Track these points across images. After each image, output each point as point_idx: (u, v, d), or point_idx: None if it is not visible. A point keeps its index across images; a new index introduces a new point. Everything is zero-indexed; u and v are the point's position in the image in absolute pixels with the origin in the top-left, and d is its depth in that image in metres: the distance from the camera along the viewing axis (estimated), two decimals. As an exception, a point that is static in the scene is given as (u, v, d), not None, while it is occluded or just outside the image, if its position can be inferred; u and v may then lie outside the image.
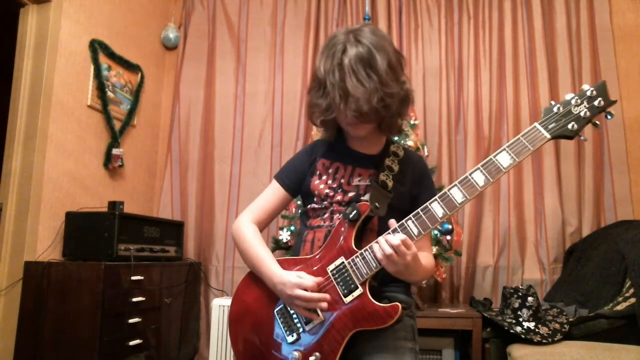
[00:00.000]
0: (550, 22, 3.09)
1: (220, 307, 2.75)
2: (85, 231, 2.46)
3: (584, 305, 2.29)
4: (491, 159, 1.12)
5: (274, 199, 1.40)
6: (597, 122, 1.12)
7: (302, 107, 3.25)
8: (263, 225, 1.40)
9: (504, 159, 1.11)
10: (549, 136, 1.10)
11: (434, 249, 2.43)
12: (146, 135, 3.33)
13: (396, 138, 2.51)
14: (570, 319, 2.11)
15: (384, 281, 1.25)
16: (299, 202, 2.71)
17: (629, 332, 1.97)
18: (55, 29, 2.57)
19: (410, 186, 1.34)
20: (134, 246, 2.53)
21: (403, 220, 1.16)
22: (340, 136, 1.39)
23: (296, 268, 1.26)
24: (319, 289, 1.19)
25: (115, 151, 2.90)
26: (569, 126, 1.09)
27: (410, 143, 2.58)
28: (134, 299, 2.40)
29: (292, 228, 2.65)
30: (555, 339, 2.00)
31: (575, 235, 2.87)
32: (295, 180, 1.39)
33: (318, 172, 1.36)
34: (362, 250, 1.18)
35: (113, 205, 2.50)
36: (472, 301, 2.78)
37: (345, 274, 1.18)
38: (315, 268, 1.24)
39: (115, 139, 2.91)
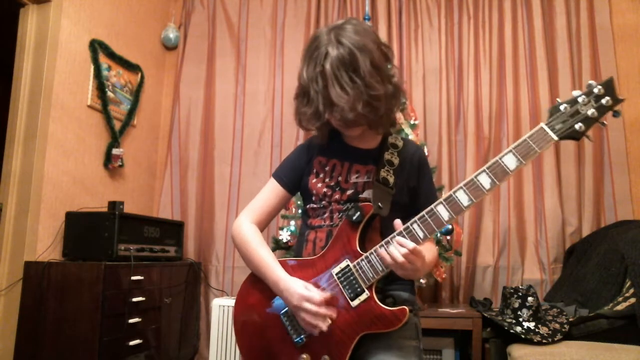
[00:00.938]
0: (550, 22, 3.09)
1: (220, 307, 2.75)
2: (85, 231, 2.46)
3: (584, 305, 2.29)
4: (497, 160, 1.09)
5: (273, 198, 1.38)
6: (605, 121, 1.08)
7: (302, 107, 3.24)
8: (263, 225, 1.38)
9: (510, 161, 1.08)
10: (556, 138, 1.06)
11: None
12: (146, 135, 3.33)
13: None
14: (570, 319, 2.11)
15: (388, 280, 1.24)
16: (299, 202, 2.72)
17: (629, 332, 1.97)
18: (55, 29, 2.57)
19: (409, 179, 1.32)
20: (134, 246, 2.53)
21: (408, 223, 1.14)
22: (336, 132, 1.35)
23: (300, 272, 1.24)
24: (326, 295, 1.17)
25: (115, 151, 2.90)
26: (577, 127, 1.06)
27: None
28: (134, 299, 2.40)
29: (292, 228, 2.65)
30: (555, 339, 2.00)
31: (575, 235, 2.87)
32: (293, 177, 1.37)
33: (315, 171, 1.34)
34: (368, 254, 1.17)
35: (113, 205, 2.50)
36: (472, 301, 2.77)
37: (351, 278, 1.17)
38: (319, 270, 1.23)
39: (115, 139, 2.91)
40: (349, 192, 1.29)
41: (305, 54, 1.22)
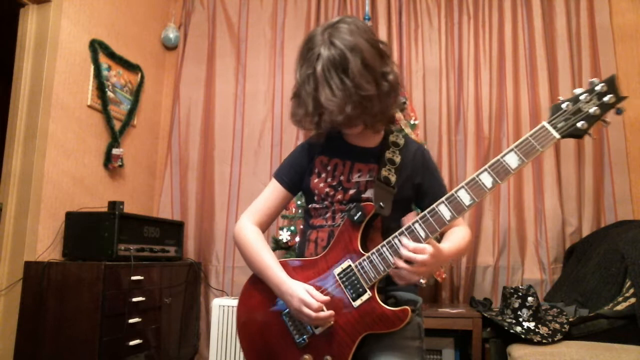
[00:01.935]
0: (550, 22, 3.09)
1: (220, 307, 2.75)
2: (85, 231, 2.46)
3: (584, 305, 2.29)
4: (499, 159, 1.08)
5: (275, 199, 1.37)
6: (608, 119, 1.06)
7: (302, 107, 3.24)
8: (265, 226, 1.38)
9: (512, 159, 1.07)
10: (558, 136, 1.05)
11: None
12: (146, 135, 3.33)
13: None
14: (570, 319, 2.11)
15: (390, 279, 1.24)
16: (299, 202, 2.72)
17: (629, 332, 1.97)
18: (55, 29, 2.57)
19: (412, 176, 1.31)
20: (134, 246, 2.53)
21: (410, 223, 1.14)
22: (337, 131, 1.34)
23: (302, 272, 1.24)
24: (326, 299, 1.18)
25: (115, 151, 2.90)
26: (579, 125, 1.04)
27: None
28: (134, 299, 2.40)
29: (292, 228, 2.65)
30: (555, 339, 2.00)
31: (575, 235, 2.87)
32: (294, 177, 1.37)
33: (317, 170, 1.33)
34: (369, 254, 1.17)
35: (113, 205, 2.50)
36: (472, 301, 2.77)
37: (353, 278, 1.17)
38: (321, 270, 1.23)
39: (115, 139, 2.91)
40: (352, 191, 1.28)
41: (299, 55, 1.22)
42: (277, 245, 2.66)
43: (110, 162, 2.89)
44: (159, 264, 2.69)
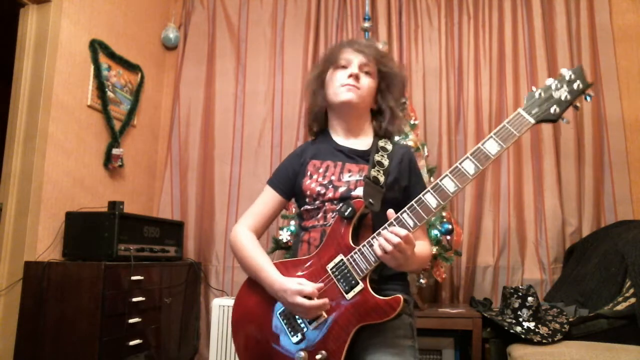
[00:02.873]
0: (550, 22, 3.08)
1: (220, 307, 2.75)
2: (85, 231, 2.46)
3: (584, 305, 2.29)
4: (479, 147, 1.15)
5: (269, 205, 1.43)
6: (578, 104, 1.16)
7: (302, 107, 3.25)
8: (260, 232, 1.42)
9: (491, 146, 1.15)
10: (533, 121, 1.14)
11: (434, 249, 2.43)
12: (146, 135, 3.33)
13: (397, 138, 2.52)
14: (570, 319, 2.11)
15: (381, 280, 1.26)
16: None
17: (629, 332, 1.97)
18: (55, 29, 2.57)
19: (399, 178, 1.36)
20: (134, 246, 2.53)
21: (398, 214, 1.18)
22: (328, 135, 1.44)
23: (296, 271, 1.26)
24: (320, 293, 1.20)
25: (115, 151, 2.90)
26: (552, 110, 1.13)
27: (410, 143, 2.59)
28: (134, 299, 2.40)
29: (292, 228, 2.65)
30: (555, 339, 2.00)
31: (575, 235, 2.86)
32: (287, 182, 1.42)
33: (309, 173, 1.38)
34: (360, 246, 1.20)
35: (113, 205, 2.50)
36: (472, 301, 2.77)
37: (345, 271, 1.20)
38: (314, 267, 1.25)
39: (115, 139, 2.91)
40: (342, 189, 1.32)
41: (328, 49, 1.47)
42: (277, 245, 2.66)
43: (110, 162, 2.89)
44: (159, 264, 2.69)
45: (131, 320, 2.37)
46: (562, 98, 1.13)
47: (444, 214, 2.53)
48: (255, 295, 1.32)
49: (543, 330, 2.06)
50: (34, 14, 2.60)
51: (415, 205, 1.17)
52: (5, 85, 2.85)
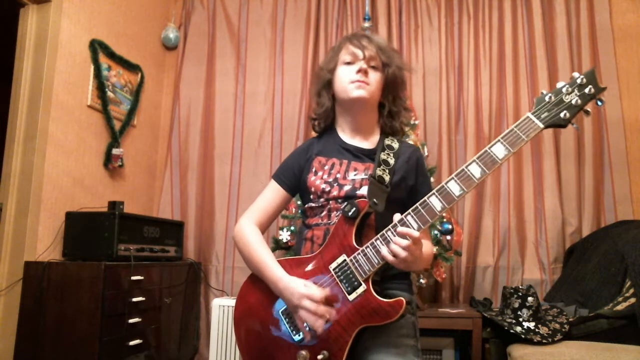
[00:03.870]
0: (550, 22, 3.08)
1: (220, 307, 2.75)
2: (85, 231, 2.46)
3: (584, 305, 2.29)
4: (486, 150, 1.13)
5: (274, 199, 1.41)
6: (589, 109, 1.12)
7: (302, 107, 3.25)
8: (265, 227, 1.40)
9: (498, 150, 1.12)
10: (542, 125, 1.11)
11: (434, 249, 2.43)
12: (146, 135, 3.33)
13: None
14: (570, 319, 2.11)
15: (385, 279, 1.25)
16: (299, 202, 2.72)
17: (629, 332, 1.97)
18: (55, 29, 2.57)
19: (406, 177, 1.35)
20: (134, 246, 2.53)
21: (402, 215, 1.17)
22: (335, 132, 1.42)
23: (299, 270, 1.26)
24: (325, 292, 1.19)
25: (115, 151, 2.90)
26: (561, 115, 1.10)
27: (410, 143, 2.58)
28: (134, 299, 2.40)
29: (292, 228, 2.65)
30: (555, 339, 2.00)
31: (575, 235, 2.87)
32: (292, 178, 1.40)
33: (314, 169, 1.36)
34: (364, 247, 1.18)
35: (113, 205, 2.50)
36: (472, 301, 2.77)
37: (348, 272, 1.19)
38: (317, 267, 1.24)
39: (115, 139, 2.91)
40: (347, 188, 1.31)
41: (332, 47, 1.44)
42: (277, 245, 2.66)
43: (110, 162, 2.89)
44: (159, 264, 2.69)
45: (131, 320, 2.37)
46: (573, 103, 1.10)
47: (444, 213, 2.53)
48: (258, 292, 1.31)
49: (543, 330, 2.06)
50: (34, 14, 2.59)
51: (419, 207, 1.15)
52: (5, 85, 2.85)
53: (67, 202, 2.61)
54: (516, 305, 2.17)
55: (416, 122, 2.75)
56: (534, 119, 1.11)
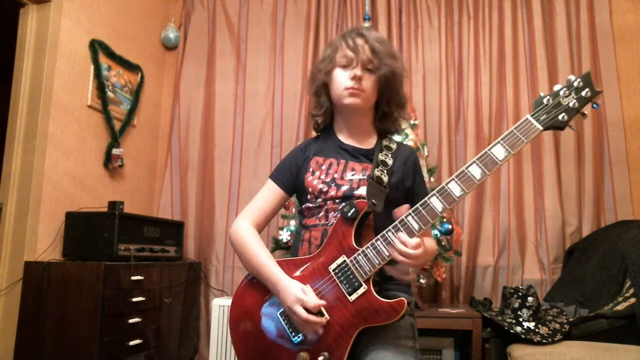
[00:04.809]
0: (550, 22, 3.09)
1: (220, 307, 2.75)
2: (85, 231, 2.46)
3: (584, 305, 2.29)
4: (486, 152, 1.15)
5: (271, 199, 1.40)
6: (585, 112, 1.14)
7: (302, 107, 3.25)
8: (262, 226, 1.39)
9: (498, 151, 1.14)
10: (541, 128, 1.13)
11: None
12: (146, 135, 3.33)
13: (397, 137, 2.52)
14: (570, 319, 2.11)
15: (384, 279, 1.25)
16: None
17: (629, 332, 1.97)
18: (55, 29, 2.57)
19: (404, 178, 1.35)
20: (134, 246, 2.53)
21: (403, 216, 1.17)
22: (332, 132, 1.42)
23: (297, 271, 1.25)
24: (321, 294, 1.19)
25: (115, 151, 2.90)
26: (560, 117, 1.12)
27: (410, 143, 2.58)
28: (134, 299, 2.40)
29: (292, 228, 2.65)
30: (555, 339, 2.00)
31: (575, 235, 2.87)
32: (289, 177, 1.40)
33: (312, 169, 1.36)
34: (364, 248, 1.18)
35: (113, 205, 2.50)
36: (472, 301, 2.78)
37: (348, 272, 1.18)
38: (316, 268, 1.23)
39: (115, 139, 2.91)
40: (344, 188, 1.30)
41: (329, 44, 1.41)
42: (277, 245, 2.66)
43: (110, 162, 2.89)
44: (159, 264, 2.69)
45: (131, 320, 2.37)
46: (571, 105, 1.12)
47: (444, 214, 2.53)
48: (255, 294, 1.30)
49: (543, 330, 2.06)
50: (34, 14, 2.60)
51: (420, 208, 1.16)
52: (5, 85, 2.85)
53: (67, 202, 2.61)
54: (516, 305, 2.17)
55: (416, 122, 2.75)
56: (533, 121, 1.14)
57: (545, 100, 1.14)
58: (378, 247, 1.17)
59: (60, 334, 2.23)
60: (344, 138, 1.40)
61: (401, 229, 1.15)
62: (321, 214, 1.32)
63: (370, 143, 1.40)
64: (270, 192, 1.40)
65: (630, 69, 2.96)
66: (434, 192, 1.16)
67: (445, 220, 2.50)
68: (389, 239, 1.16)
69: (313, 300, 1.16)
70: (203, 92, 3.43)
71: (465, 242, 2.93)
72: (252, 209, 1.39)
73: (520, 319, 2.13)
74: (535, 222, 2.92)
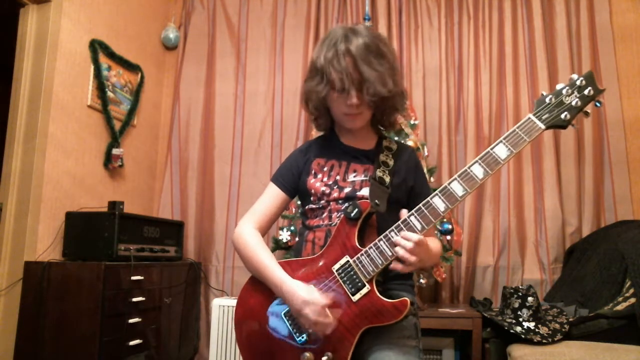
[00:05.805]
0: (550, 22, 3.08)
1: (220, 307, 2.75)
2: (85, 231, 2.46)
3: (584, 305, 2.29)
4: (489, 151, 1.15)
5: (273, 202, 1.40)
6: (588, 110, 1.14)
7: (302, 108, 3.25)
8: (265, 229, 1.40)
9: (501, 151, 1.14)
10: (543, 127, 1.13)
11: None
12: (146, 135, 3.33)
13: (396, 138, 2.52)
14: (570, 319, 2.11)
15: (387, 279, 1.25)
16: (299, 202, 2.71)
17: (629, 332, 1.97)
18: (55, 29, 2.57)
19: (406, 178, 1.36)
20: (134, 246, 2.53)
21: (405, 216, 1.17)
22: (333, 134, 1.42)
23: (301, 271, 1.25)
24: (328, 302, 1.18)
25: (115, 151, 2.90)
26: (562, 116, 1.12)
27: (410, 143, 2.58)
28: (134, 299, 2.40)
29: (292, 228, 2.65)
30: (555, 339, 2.00)
31: (575, 235, 2.87)
32: (291, 180, 1.40)
33: (313, 172, 1.37)
34: (367, 248, 1.18)
35: (113, 205, 2.50)
36: (472, 301, 2.78)
37: (352, 273, 1.18)
38: (319, 268, 1.23)
39: (115, 139, 2.91)
40: (347, 189, 1.31)
41: (321, 43, 1.30)
42: (277, 246, 2.66)
43: (110, 162, 2.89)
44: (159, 264, 2.69)
45: (131, 320, 2.37)
46: (573, 104, 1.12)
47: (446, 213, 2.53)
48: (260, 294, 1.30)
49: (543, 330, 2.06)
50: (34, 14, 2.60)
51: (423, 208, 1.16)
52: (5, 85, 2.85)
53: (67, 202, 2.61)
54: (516, 305, 2.17)
55: (416, 122, 2.75)
56: (536, 120, 1.13)
57: (547, 99, 1.14)
58: (381, 248, 1.17)
59: (60, 334, 2.23)
60: (345, 139, 1.41)
61: (404, 229, 1.16)
62: (324, 214, 1.32)
63: (370, 144, 1.40)
64: (272, 195, 1.40)
65: (630, 69, 2.96)
66: (437, 192, 1.16)
67: (445, 220, 2.50)
68: (392, 239, 1.16)
69: (320, 298, 1.16)
70: (203, 92, 3.43)
71: (465, 242, 2.93)
72: (254, 212, 1.40)
73: (520, 319, 2.13)
74: (535, 222, 2.92)
